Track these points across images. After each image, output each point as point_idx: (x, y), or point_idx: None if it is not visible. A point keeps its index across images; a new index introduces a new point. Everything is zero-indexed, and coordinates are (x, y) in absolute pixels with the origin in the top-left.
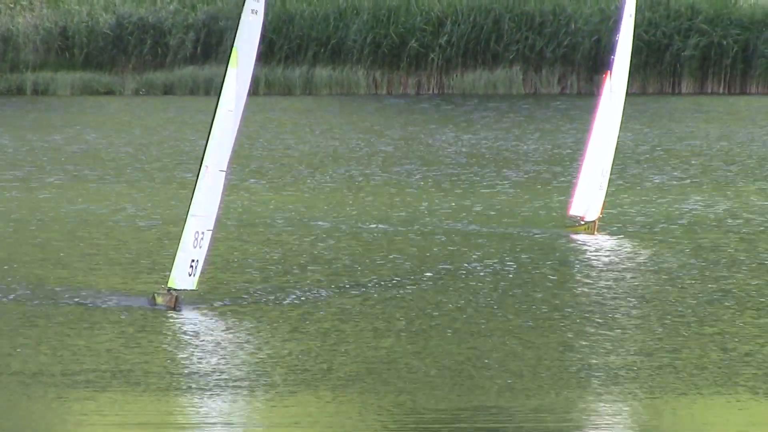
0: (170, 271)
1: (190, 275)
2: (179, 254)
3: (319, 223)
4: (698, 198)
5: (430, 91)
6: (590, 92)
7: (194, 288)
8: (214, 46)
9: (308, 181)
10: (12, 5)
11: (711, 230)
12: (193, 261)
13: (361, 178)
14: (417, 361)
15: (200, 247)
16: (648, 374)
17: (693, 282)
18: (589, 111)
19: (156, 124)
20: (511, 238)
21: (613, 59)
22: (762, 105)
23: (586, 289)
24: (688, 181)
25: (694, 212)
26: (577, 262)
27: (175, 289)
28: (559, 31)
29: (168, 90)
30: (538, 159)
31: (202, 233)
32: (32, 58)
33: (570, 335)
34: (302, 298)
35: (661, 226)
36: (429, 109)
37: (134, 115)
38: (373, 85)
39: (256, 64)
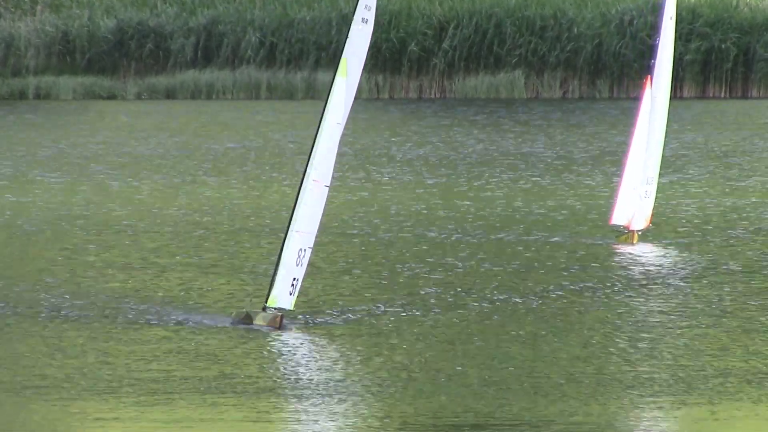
0: (267, 289)
1: (290, 294)
2: (280, 271)
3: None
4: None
5: (432, 96)
6: (592, 96)
7: (291, 308)
8: (215, 50)
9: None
10: (13, 10)
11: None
12: (294, 279)
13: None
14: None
15: (301, 265)
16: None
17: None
18: (630, 114)
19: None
20: (556, 245)
21: (654, 63)
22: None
23: (627, 300)
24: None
25: (727, 216)
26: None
27: (274, 308)
28: (561, 36)
29: (170, 94)
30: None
31: (305, 250)
32: (34, 62)
33: (609, 347)
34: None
35: (699, 232)
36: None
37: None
38: (375, 89)
39: (258, 69)
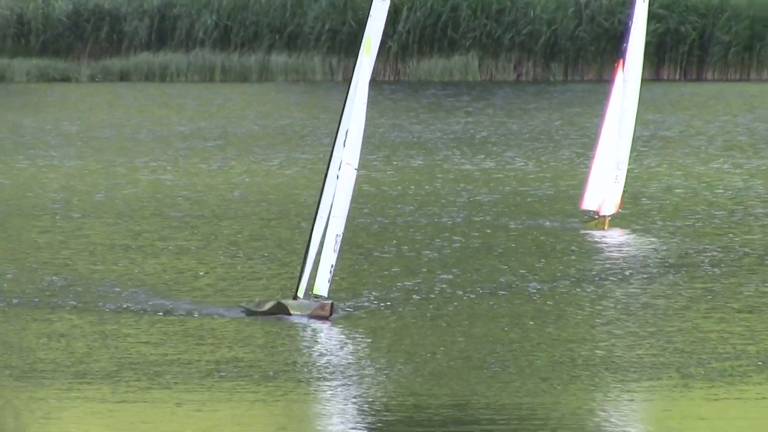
0: (299, 278)
1: (328, 281)
2: (323, 259)
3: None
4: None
5: (386, 78)
6: (546, 79)
7: (326, 295)
8: (169, 32)
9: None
10: None
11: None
12: (331, 266)
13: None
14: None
15: (336, 251)
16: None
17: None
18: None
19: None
20: (528, 230)
21: (626, 47)
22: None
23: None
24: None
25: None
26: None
27: (317, 296)
28: (517, 20)
29: (124, 76)
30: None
31: (340, 236)
32: None
33: (574, 330)
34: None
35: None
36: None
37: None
38: (329, 71)
39: (212, 51)
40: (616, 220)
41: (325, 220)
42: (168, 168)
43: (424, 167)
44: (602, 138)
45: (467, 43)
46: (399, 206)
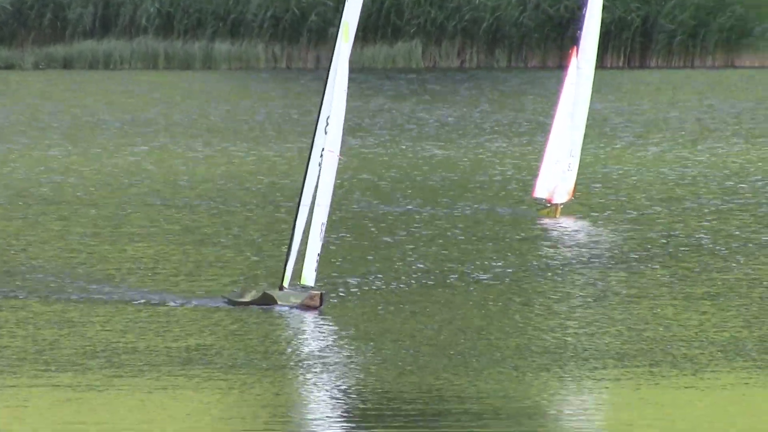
0: (284, 267)
1: (315, 270)
2: (309, 248)
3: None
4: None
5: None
6: (490, 66)
7: (312, 285)
8: (113, 19)
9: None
10: None
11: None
12: (318, 255)
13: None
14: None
15: (321, 239)
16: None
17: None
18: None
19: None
20: (477, 217)
21: (580, 34)
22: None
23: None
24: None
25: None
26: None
27: (305, 286)
28: (461, 6)
29: (68, 64)
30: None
31: (324, 224)
32: None
33: (527, 317)
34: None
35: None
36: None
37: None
38: (272, 59)
39: (155, 39)
40: (568, 208)
41: (308, 208)
42: (118, 154)
43: (376, 154)
44: (554, 126)
45: (411, 30)
46: (353, 194)
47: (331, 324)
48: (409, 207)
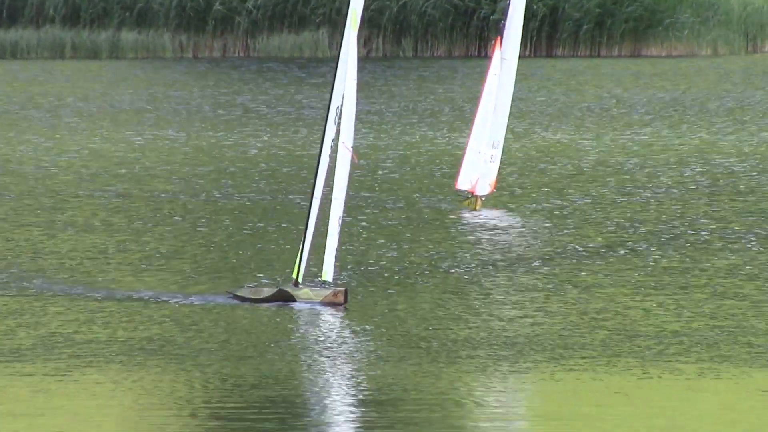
0: (298, 263)
1: (334, 265)
2: (328, 243)
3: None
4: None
5: (236, 54)
6: (396, 55)
7: (331, 280)
8: (20, 8)
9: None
10: None
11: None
12: (336, 249)
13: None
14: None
15: (338, 233)
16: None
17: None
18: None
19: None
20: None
21: (504, 24)
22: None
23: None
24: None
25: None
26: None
27: (325, 282)
28: None
29: None
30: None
31: (341, 218)
32: None
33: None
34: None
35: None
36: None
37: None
38: (179, 48)
39: (61, 28)
40: (490, 200)
41: (319, 201)
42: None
43: (300, 143)
44: (478, 116)
45: (317, 20)
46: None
47: (279, 318)
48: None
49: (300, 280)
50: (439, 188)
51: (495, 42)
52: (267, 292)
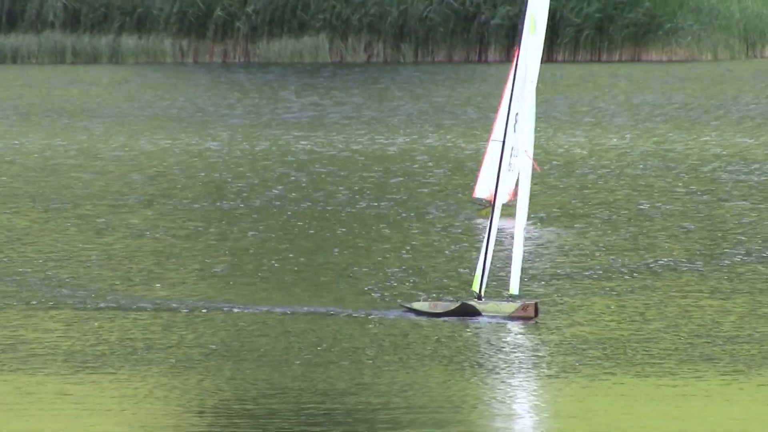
0: (476, 276)
1: (519, 279)
2: (515, 256)
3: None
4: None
5: (237, 60)
6: (396, 60)
7: (517, 293)
8: (19, 14)
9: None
10: None
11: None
12: (521, 262)
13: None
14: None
15: (522, 245)
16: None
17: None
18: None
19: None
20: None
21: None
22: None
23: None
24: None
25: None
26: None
27: (512, 296)
28: (366, 0)
29: None
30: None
31: (524, 229)
32: None
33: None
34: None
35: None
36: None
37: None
38: (179, 53)
39: (62, 33)
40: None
41: (499, 211)
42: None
43: (310, 148)
44: (496, 126)
45: (317, 25)
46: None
47: (240, 324)
48: (341, 205)
49: (482, 293)
50: (457, 196)
51: (516, 50)
52: (449, 305)
